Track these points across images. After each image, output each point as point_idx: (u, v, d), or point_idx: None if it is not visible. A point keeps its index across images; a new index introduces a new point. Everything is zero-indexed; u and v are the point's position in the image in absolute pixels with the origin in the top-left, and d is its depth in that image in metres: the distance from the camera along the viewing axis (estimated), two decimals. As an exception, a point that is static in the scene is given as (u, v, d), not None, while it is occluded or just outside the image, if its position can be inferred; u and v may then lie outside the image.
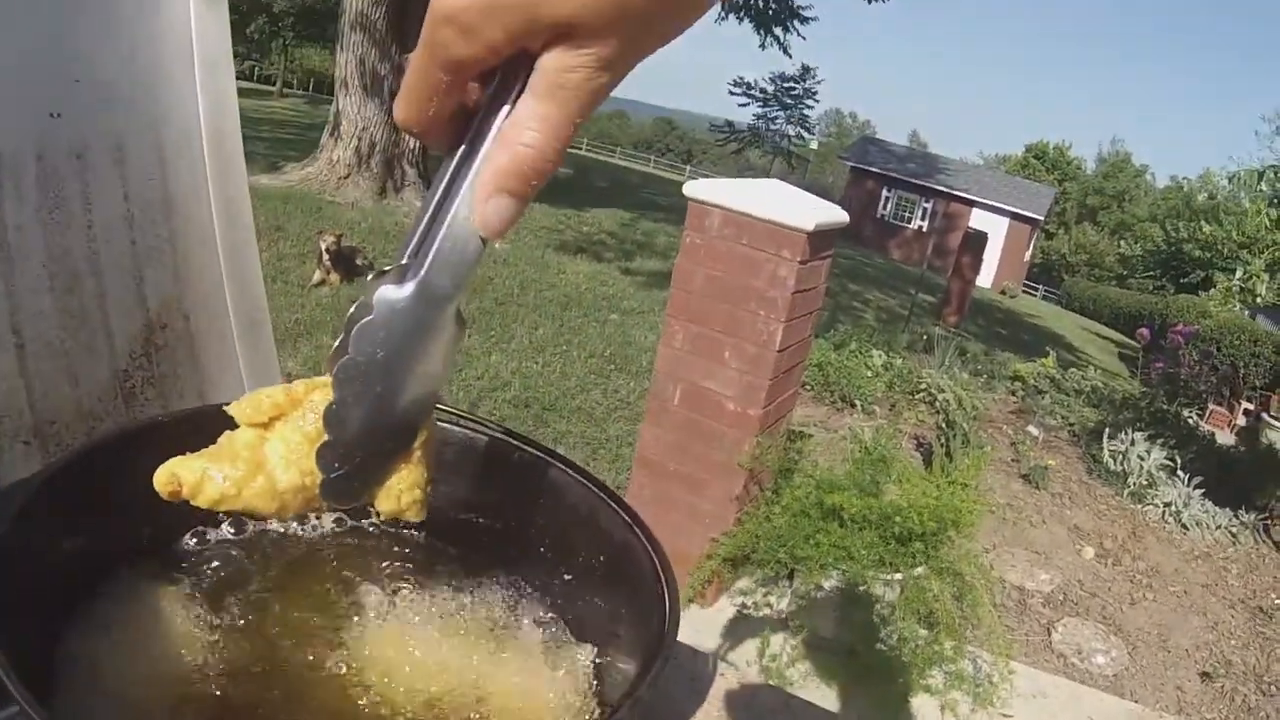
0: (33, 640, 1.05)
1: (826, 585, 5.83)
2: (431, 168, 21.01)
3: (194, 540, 1.37)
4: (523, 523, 1.47)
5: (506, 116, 0.82)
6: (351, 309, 0.93)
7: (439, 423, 1.42)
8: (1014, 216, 57.43)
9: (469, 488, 1.51)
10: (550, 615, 1.40)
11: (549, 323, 12.91)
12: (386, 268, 0.91)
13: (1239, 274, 39.63)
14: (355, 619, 1.32)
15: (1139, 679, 7.09)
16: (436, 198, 0.88)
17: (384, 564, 1.46)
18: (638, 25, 0.75)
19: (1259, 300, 31.07)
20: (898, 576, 5.57)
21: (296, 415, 1.07)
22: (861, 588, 5.60)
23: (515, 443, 1.50)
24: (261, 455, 1.06)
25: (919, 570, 5.49)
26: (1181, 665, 7.47)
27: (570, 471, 1.44)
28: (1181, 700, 6.99)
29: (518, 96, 0.81)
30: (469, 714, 1.18)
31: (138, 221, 1.75)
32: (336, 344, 0.95)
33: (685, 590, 5.96)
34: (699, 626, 6.09)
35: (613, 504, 1.36)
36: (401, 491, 1.08)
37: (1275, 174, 27.20)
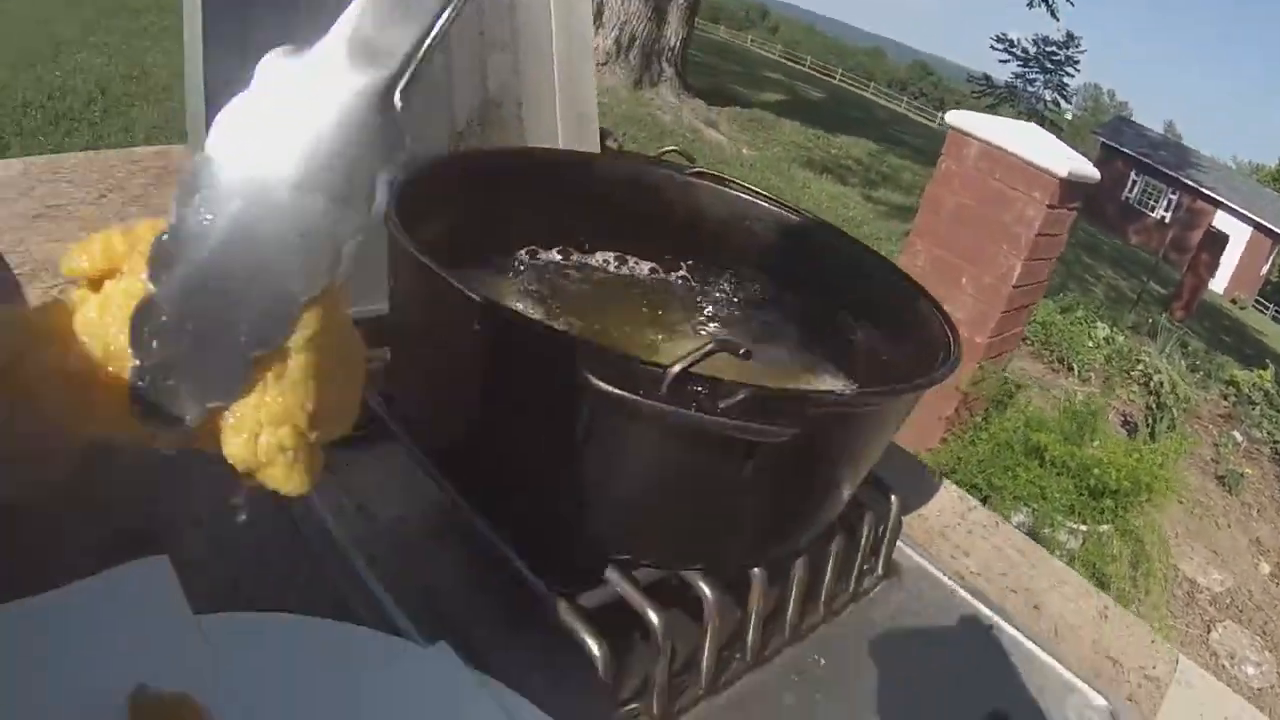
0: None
1: (1014, 519, 5.87)
2: (688, 71, 21.04)
3: (528, 258, 1.54)
4: (816, 290, 1.57)
5: None
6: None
7: (743, 195, 1.61)
8: (1259, 228, 55.76)
9: (772, 259, 1.62)
10: (833, 370, 1.50)
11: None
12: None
13: None
14: (663, 337, 1.47)
15: (1283, 699, 7.06)
16: None
17: (684, 303, 1.61)
18: None
19: None
20: (1083, 528, 5.60)
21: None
22: (1046, 530, 5.65)
23: (817, 220, 1.61)
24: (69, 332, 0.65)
25: (1105, 528, 5.52)
26: (1326, 700, 7.40)
27: (866, 249, 1.55)
28: (1318, 731, 6.94)
29: None
30: None
31: (486, 15, 1.93)
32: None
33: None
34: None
35: (908, 282, 1.45)
36: (261, 426, 0.65)
37: None
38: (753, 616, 1.20)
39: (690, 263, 1.66)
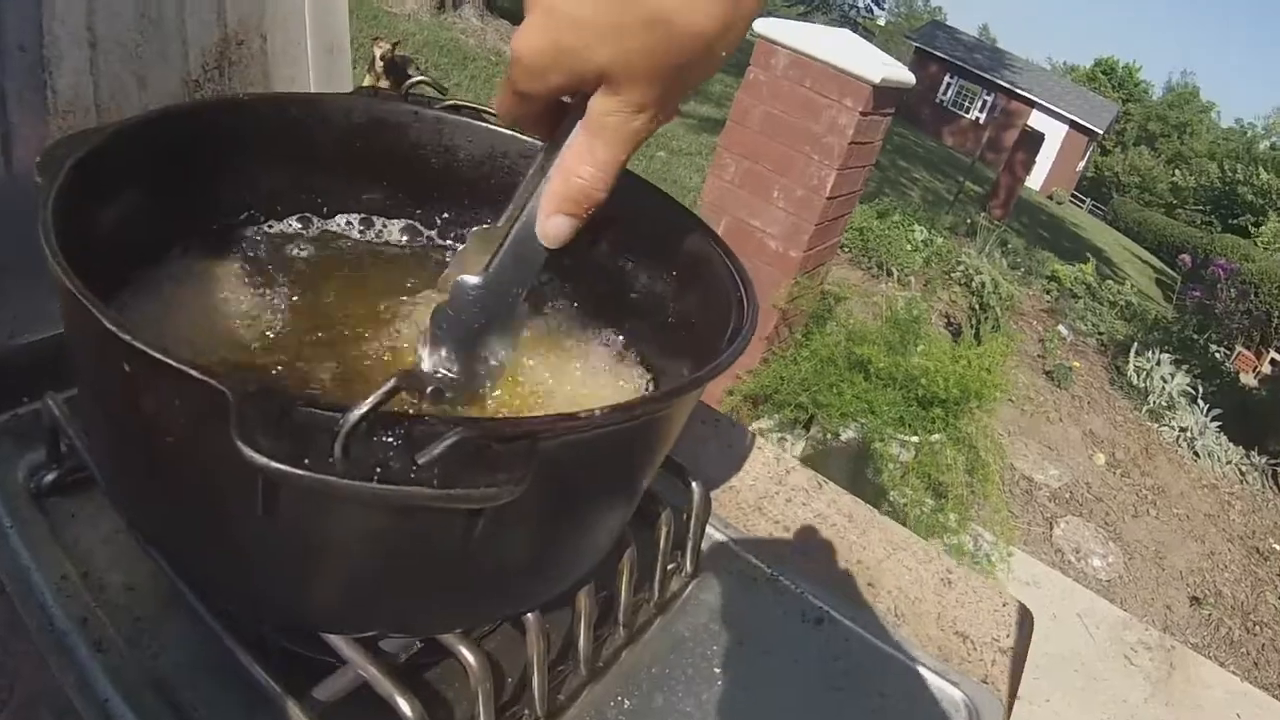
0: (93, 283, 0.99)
1: (844, 436, 5.81)
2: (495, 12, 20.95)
3: (254, 230, 1.36)
4: (595, 238, 1.37)
5: (569, 146, 0.94)
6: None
7: (503, 130, 1.46)
8: (1073, 125, 57.28)
9: None
10: (615, 332, 1.38)
11: (591, 152, 12.78)
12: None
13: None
14: (413, 311, 1.28)
15: (1130, 589, 7.13)
16: (512, 208, 1.01)
17: (434, 268, 1.43)
18: (670, 75, 0.84)
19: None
20: (914, 439, 5.55)
21: None
22: (878, 444, 5.58)
23: None
24: None
25: (936, 436, 5.46)
26: (1173, 585, 7.50)
27: (640, 183, 1.34)
28: (1169, 619, 7.01)
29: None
30: (532, 401, 1.18)
31: None
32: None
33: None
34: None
35: (692, 221, 1.31)
36: None
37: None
38: (534, 666, 1.08)
39: (447, 216, 1.49)
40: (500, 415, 1.09)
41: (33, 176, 0.95)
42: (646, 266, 1.35)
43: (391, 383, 0.70)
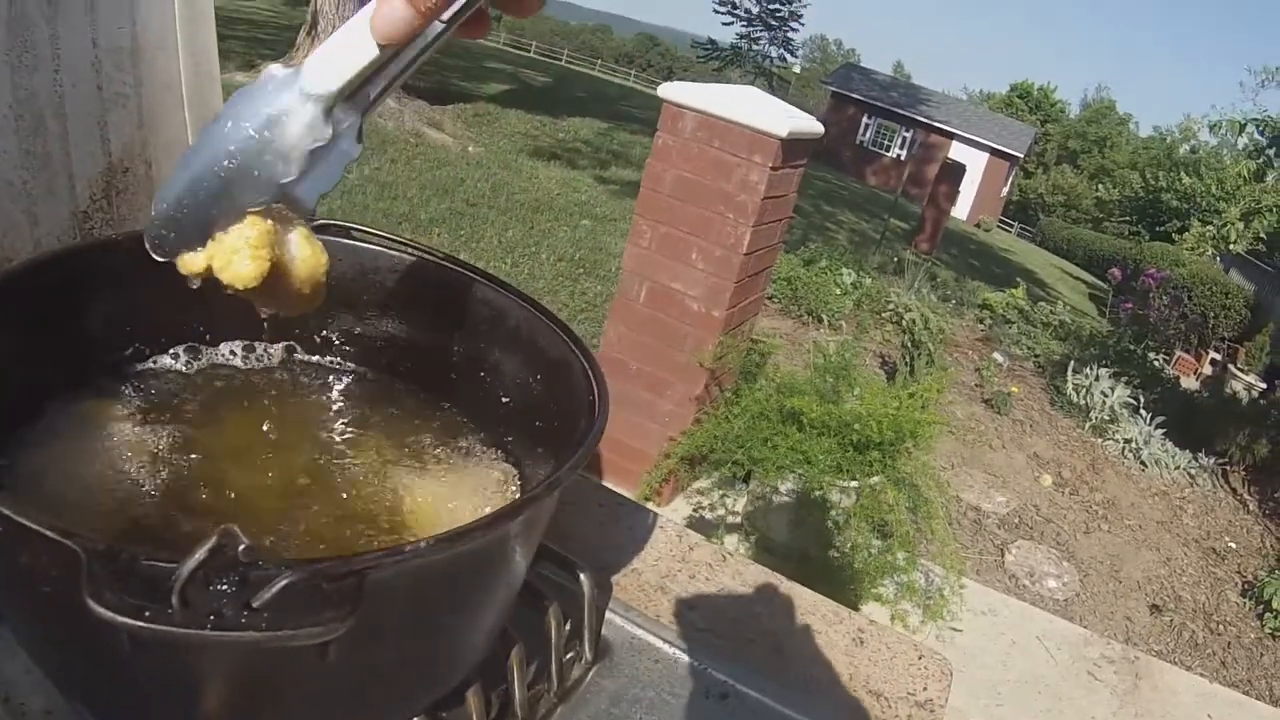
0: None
1: (783, 489, 5.84)
2: (411, 78, 21.03)
3: (139, 365, 1.40)
4: (463, 349, 1.50)
5: None
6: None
7: (371, 245, 1.54)
8: (994, 152, 57.66)
9: (409, 314, 1.54)
10: (486, 439, 1.44)
11: (519, 225, 12.90)
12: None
13: (1215, 223, 39.83)
14: (290, 438, 1.35)
15: (1089, 605, 7.14)
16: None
17: (323, 392, 1.50)
18: None
19: (1231, 248, 31.15)
20: (854, 484, 5.57)
21: None
22: (817, 493, 5.60)
23: (453, 266, 1.51)
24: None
25: (875, 479, 5.49)
26: (1132, 596, 7.53)
27: (506, 293, 1.45)
28: (1130, 630, 7.03)
29: None
30: (386, 513, 1.22)
31: (105, 67, 1.75)
32: None
33: (641, 489, 5.96)
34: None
35: (548, 321, 1.38)
36: (234, 251, 1.01)
37: (1257, 127, 27.18)
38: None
39: (325, 334, 1.55)
40: (330, 556, 1.03)
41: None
42: (514, 371, 1.41)
43: (214, 540, 0.73)
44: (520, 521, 1.03)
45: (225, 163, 0.96)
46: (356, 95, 0.95)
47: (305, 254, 1.08)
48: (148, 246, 1.01)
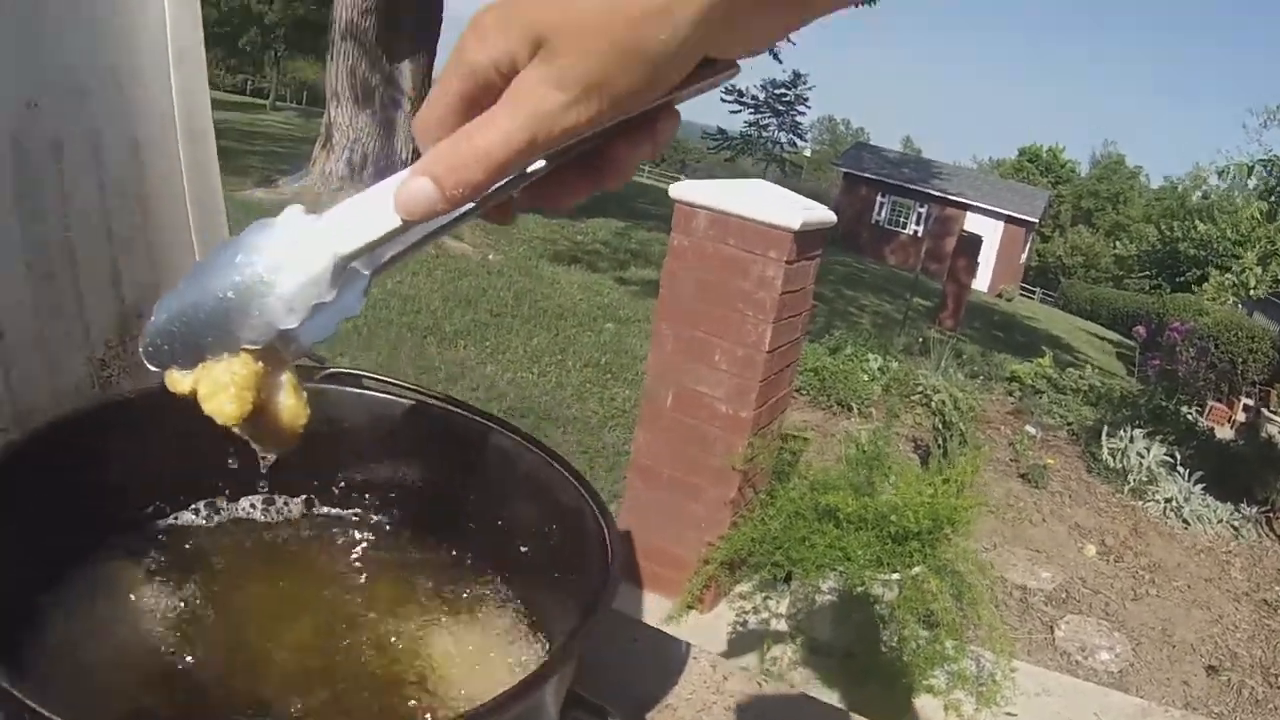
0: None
1: (824, 587, 5.80)
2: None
3: (160, 522, 1.41)
4: (479, 497, 1.49)
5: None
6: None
7: (383, 394, 1.56)
8: (1009, 220, 57.78)
9: (425, 463, 1.55)
10: (504, 589, 1.44)
11: (544, 333, 12.95)
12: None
13: (1234, 270, 39.87)
14: (311, 594, 1.37)
15: (1144, 674, 7.07)
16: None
17: (343, 544, 1.50)
18: (606, 51, 0.74)
19: (1251, 294, 31.20)
20: (895, 576, 5.54)
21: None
22: (859, 589, 5.57)
23: (467, 414, 1.52)
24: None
25: (917, 570, 5.45)
26: (1187, 659, 7.44)
27: (521, 441, 1.46)
28: (1188, 694, 6.95)
29: None
30: (413, 676, 1.23)
31: (114, 212, 1.76)
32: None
33: (683, 597, 5.94)
34: (699, 633, 6.03)
35: (563, 470, 1.39)
36: (220, 386, 0.99)
37: (1265, 168, 27.21)
38: None
39: (343, 485, 1.55)
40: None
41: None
42: (529, 519, 1.41)
43: None
44: (550, 684, 1.03)
45: (229, 294, 0.96)
46: (371, 254, 0.93)
47: (289, 403, 1.08)
48: (140, 352, 1.01)
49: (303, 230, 0.93)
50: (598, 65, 0.75)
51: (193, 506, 1.45)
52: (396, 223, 0.87)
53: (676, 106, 0.86)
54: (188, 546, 1.39)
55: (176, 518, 1.42)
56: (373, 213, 0.88)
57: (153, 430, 1.32)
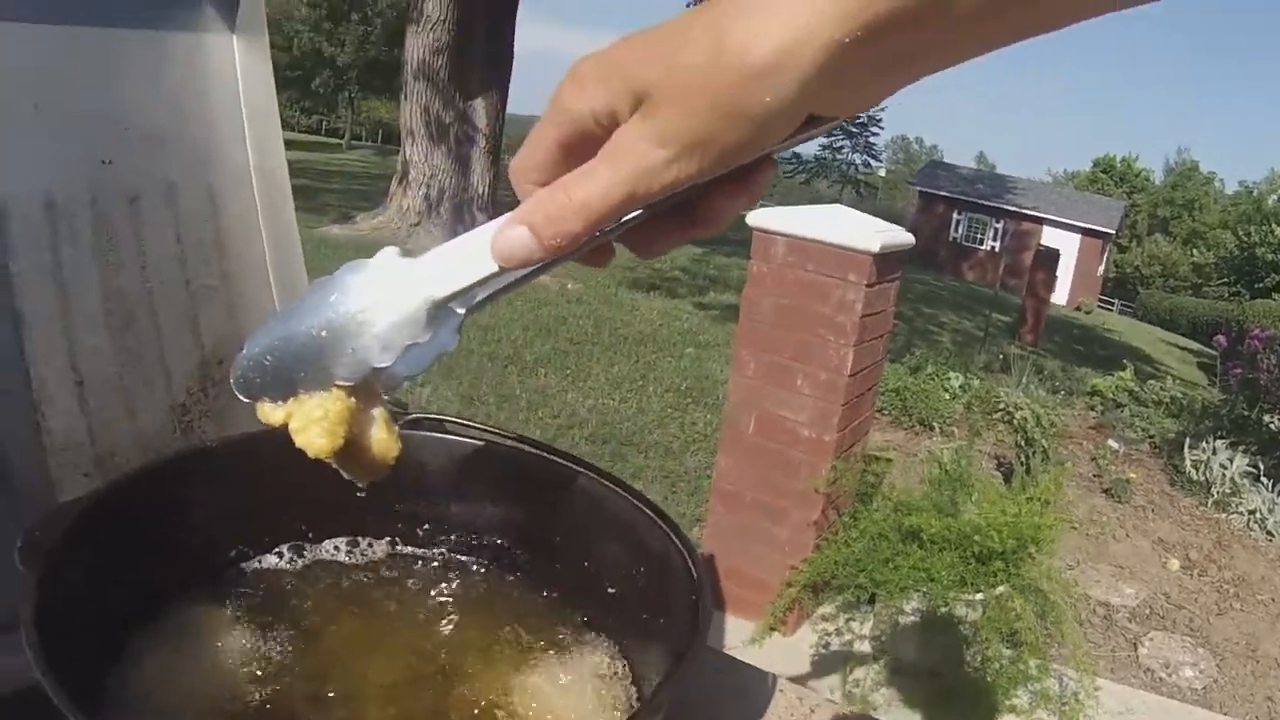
0: (85, 665, 1.10)
1: (908, 608, 5.81)
2: (501, 213, 21.25)
3: (244, 566, 1.45)
4: (565, 539, 1.51)
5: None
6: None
7: (465, 439, 1.59)
8: (1085, 232, 57.32)
9: (510, 505, 1.56)
10: (592, 630, 1.44)
11: (625, 360, 12.98)
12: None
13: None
14: (398, 634, 1.39)
15: (1229, 690, 7.01)
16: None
17: (428, 586, 1.52)
18: (709, 110, 0.74)
19: (1333, 297, 30.85)
20: (979, 596, 5.54)
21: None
22: (943, 609, 5.58)
23: (551, 457, 1.54)
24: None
25: (1000, 589, 5.45)
26: (1272, 675, 7.36)
27: (606, 482, 1.47)
28: (1272, 710, 6.89)
29: None
30: (507, 716, 1.24)
31: (190, 261, 1.81)
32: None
33: (766, 619, 5.95)
34: (782, 655, 6.07)
35: (649, 512, 1.40)
36: (312, 420, 1.01)
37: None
38: None
39: (428, 527, 1.58)
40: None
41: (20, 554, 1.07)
42: (617, 560, 1.44)
43: None
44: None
45: (323, 333, 0.98)
46: (465, 296, 0.94)
47: (381, 436, 1.09)
48: (232, 383, 1.03)
49: (398, 272, 0.95)
50: (700, 124, 0.75)
51: (276, 549, 1.49)
52: (492, 269, 0.89)
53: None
54: (272, 589, 1.43)
55: (261, 561, 1.46)
56: (469, 258, 0.91)
57: (234, 477, 1.37)
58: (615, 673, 1.37)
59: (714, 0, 0.75)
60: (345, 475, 1.11)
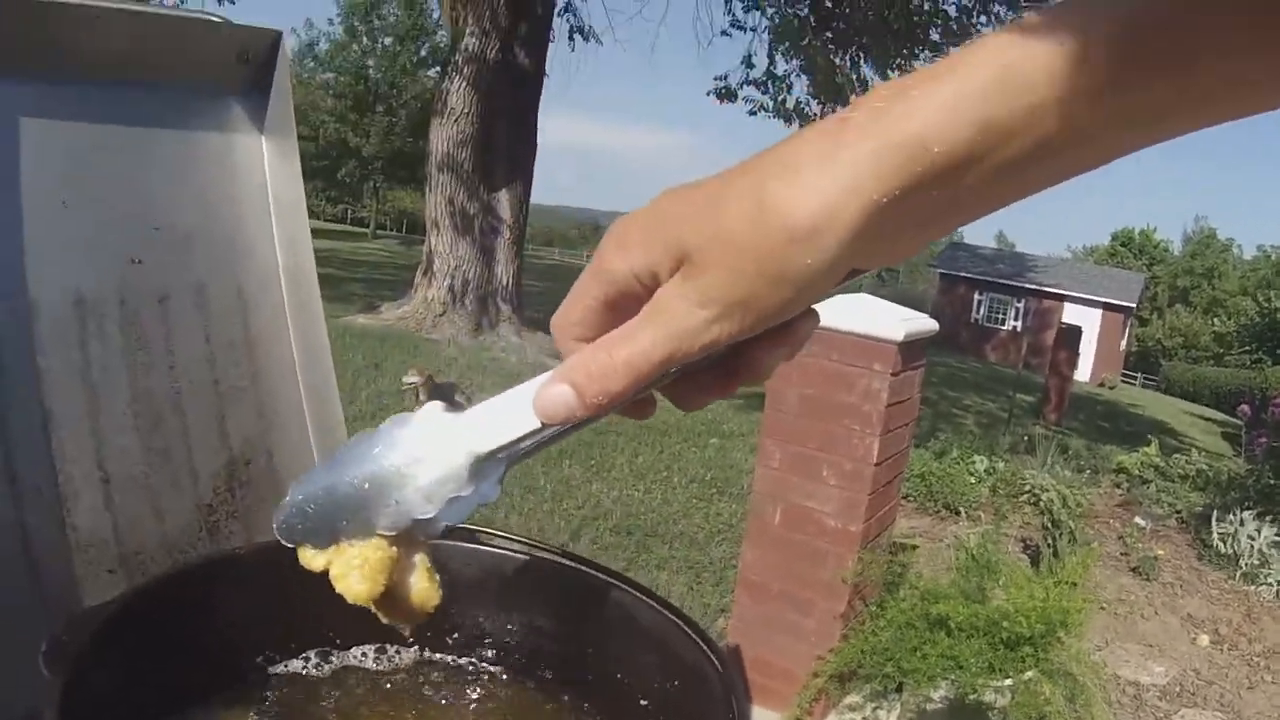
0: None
1: (936, 696, 5.78)
2: (526, 304, 21.32)
3: (270, 672, 1.45)
4: (597, 650, 1.52)
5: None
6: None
7: (498, 549, 1.61)
8: (1106, 307, 57.30)
9: (541, 615, 1.57)
10: None
11: (649, 450, 12.98)
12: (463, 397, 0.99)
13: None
14: None
15: (1263, 766, 6.98)
16: None
17: (457, 696, 1.52)
18: (749, 270, 0.76)
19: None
20: (1008, 683, 5.52)
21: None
22: (971, 696, 5.55)
23: (585, 569, 1.56)
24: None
25: (1029, 675, 5.44)
26: (1305, 748, 7.34)
27: (639, 594, 1.49)
28: (1307, 784, 6.86)
29: None
30: None
31: (219, 361, 1.85)
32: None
33: (791, 710, 5.94)
34: (812, 745, 6.05)
35: (681, 624, 1.41)
36: (353, 567, 1.04)
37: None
38: None
39: (456, 636, 1.59)
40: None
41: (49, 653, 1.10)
42: (649, 672, 1.44)
43: None
44: None
45: (366, 484, 0.99)
46: (508, 450, 0.96)
47: (421, 585, 1.11)
48: (274, 528, 1.04)
49: (442, 426, 0.97)
50: (742, 285, 0.77)
51: (303, 654, 1.49)
52: (535, 425, 0.91)
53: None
54: (298, 695, 1.43)
55: (287, 665, 1.47)
56: (512, 413, 0.92)
57: (261, 582, 1.37)
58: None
59: (754, 161, 0.79)
60: (384, 620, 1.14)
